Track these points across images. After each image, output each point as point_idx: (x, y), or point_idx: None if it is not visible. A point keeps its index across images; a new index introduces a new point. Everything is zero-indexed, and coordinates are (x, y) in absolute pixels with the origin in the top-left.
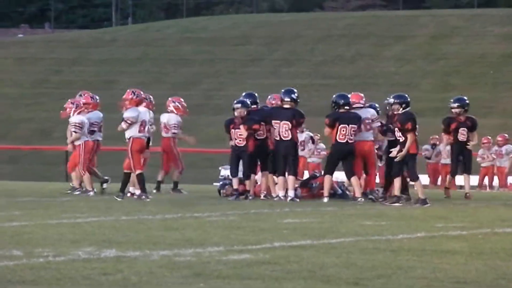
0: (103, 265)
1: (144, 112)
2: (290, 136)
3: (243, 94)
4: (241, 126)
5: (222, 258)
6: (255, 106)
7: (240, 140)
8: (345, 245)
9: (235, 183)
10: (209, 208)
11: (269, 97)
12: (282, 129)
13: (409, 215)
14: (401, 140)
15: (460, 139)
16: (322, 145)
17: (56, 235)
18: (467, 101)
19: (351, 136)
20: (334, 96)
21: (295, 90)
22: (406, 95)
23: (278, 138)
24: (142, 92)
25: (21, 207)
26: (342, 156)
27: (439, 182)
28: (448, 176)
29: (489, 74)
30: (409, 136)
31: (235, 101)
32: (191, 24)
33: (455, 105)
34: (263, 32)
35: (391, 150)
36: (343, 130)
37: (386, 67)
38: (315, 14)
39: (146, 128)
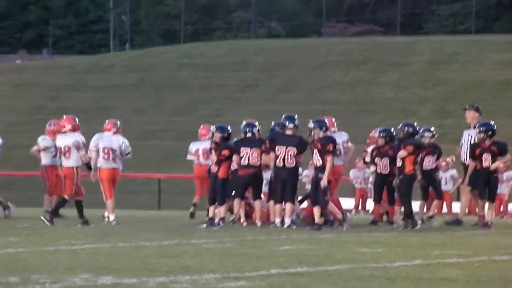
0: None
1: (61, 139)
2: (294, 163)
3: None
4: (212, 151)
5: (219, 286)
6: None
7: (214, 166)
8: (341, 272)
9: (211, 211)
10: (205, 234)
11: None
12: (287, 155)
13: (406, 242)
14: (318, 165)
15: (484, 166)
16: None
17: (52, 262)
18: (493, 127)
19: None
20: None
21: (296, 116)
22: (325, 119)
23: (281, 165)
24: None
25: (17, 233)
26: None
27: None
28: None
29: (487, 101)
30: (329, 159)
31: (213, 126)
32: (189, 50)
33: (478, 130)
34: (261, 58)
35: (401, 176)
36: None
37: (383, 93)
38: (312, 40)
39: (68, 154)
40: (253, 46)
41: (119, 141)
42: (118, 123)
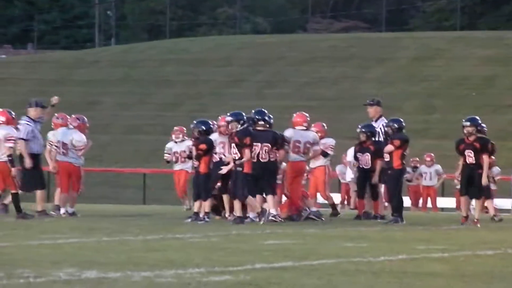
0: (84, 286)
1: None
2: (268, 158)
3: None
4: (193, 147)
5: (203, 280)
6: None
7: (194, 161)
8: (326, 266)
9: (196, 206)
10: (191, 229)
11: (219, 118)
12: (262, 151)
13: (391, 237)
14: (236, 158)
15: (468, 162)
16: None
17: (37, 256)
18: (478, 121)
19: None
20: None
21: (266, 111)
22: (243, 113)
23: (255, 160)
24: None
25: (1, 227)
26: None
27: (420, 204)
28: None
29: (471, 96)
30: (246, 151)
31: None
32: (174, 45)
33: (466, 123)
34: (246, 54)
35: (389, 171)
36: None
37: (368, 89)
38: (298, 35)
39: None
40: (239, 41)
41: (71, 136)
42: (84, 119)
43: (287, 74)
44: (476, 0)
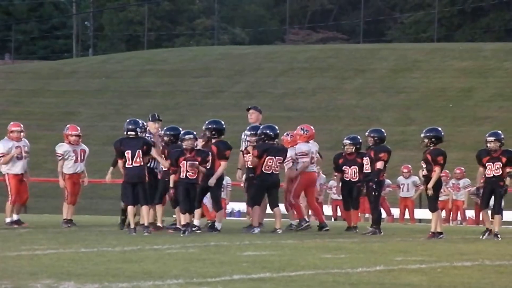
0: None
1: None
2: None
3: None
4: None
5: None
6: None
7: (192, 173)
8: (304, 278)
9: (186, 218)
10: (168, 240)
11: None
12: (275, 163)
13: (368, 249)
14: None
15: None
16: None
17: (14, 267)
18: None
19: (277, 167)
20: (262, 127)
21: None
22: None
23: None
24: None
25: None
26: (267, 186)
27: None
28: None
29: (448, 108)
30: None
31: (184, 132)
32: (152, 56)
33: (492, 138)
34: (224, 64)
35: (370, 183)
36: (270, 162)
37: (347, 100)
38: (276, 46)
39: None
40: (217, 52)
41: None
42: (19, 128)
43: (265, 85)
44: (453, 12)
